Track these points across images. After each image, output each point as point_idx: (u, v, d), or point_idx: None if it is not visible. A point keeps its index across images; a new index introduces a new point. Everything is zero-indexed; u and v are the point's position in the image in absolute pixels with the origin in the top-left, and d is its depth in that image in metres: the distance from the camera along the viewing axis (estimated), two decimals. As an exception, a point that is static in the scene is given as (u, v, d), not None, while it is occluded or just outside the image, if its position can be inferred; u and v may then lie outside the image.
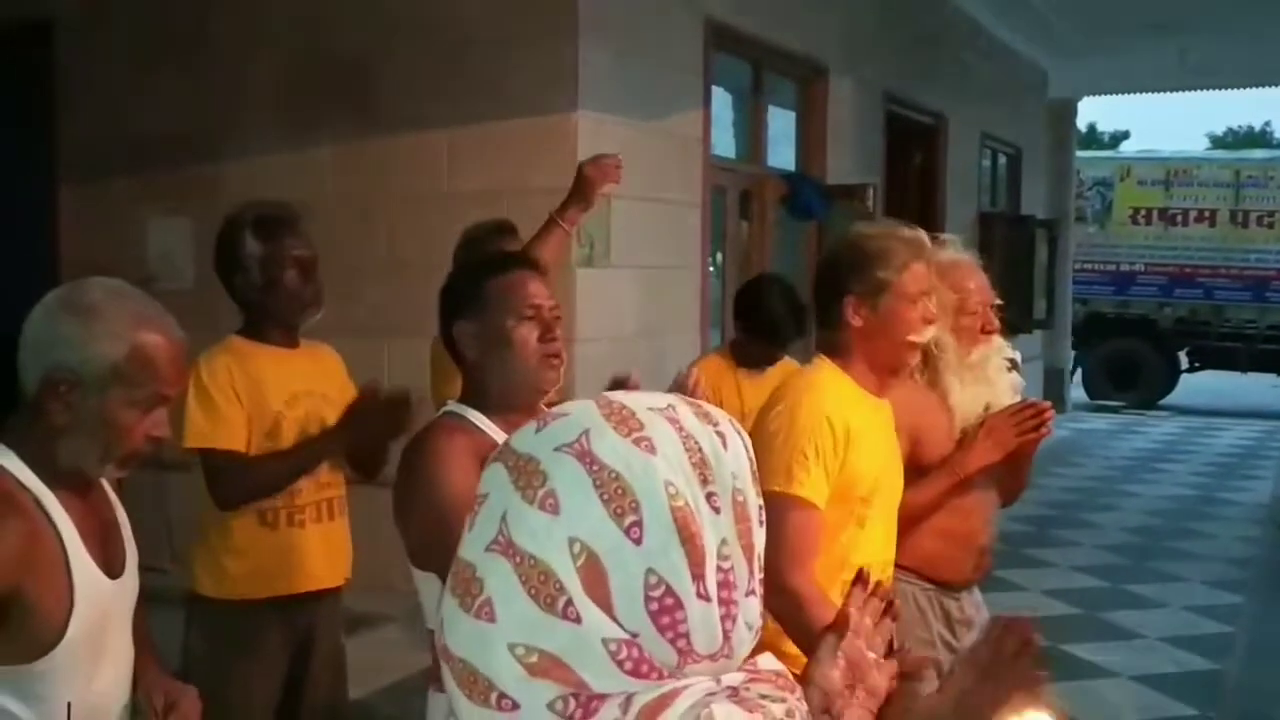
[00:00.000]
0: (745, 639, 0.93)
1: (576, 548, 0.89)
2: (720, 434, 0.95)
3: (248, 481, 3.15)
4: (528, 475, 0.92)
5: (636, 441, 0.91)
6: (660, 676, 0.89)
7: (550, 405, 2.39)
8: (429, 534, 2.12)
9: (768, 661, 0.94)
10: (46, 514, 1.92)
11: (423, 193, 6.17)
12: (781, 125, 8.75)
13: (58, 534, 1.92)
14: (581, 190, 3.64)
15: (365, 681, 4.43)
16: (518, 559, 0.90)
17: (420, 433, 2.27)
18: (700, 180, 7.12)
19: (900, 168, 10.40)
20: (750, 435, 1.01)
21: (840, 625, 1.37)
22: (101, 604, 1.97)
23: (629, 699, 0.88)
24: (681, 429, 0.94)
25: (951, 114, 11.20)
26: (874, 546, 2.72)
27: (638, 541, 0.89)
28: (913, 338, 2.72)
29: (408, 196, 6.24)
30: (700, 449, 0.93)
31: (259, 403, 3.19)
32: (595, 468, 0.91)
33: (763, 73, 8.31)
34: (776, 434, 2.59)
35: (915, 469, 3.03)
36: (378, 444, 3.18)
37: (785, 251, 8.55)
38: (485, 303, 2.32)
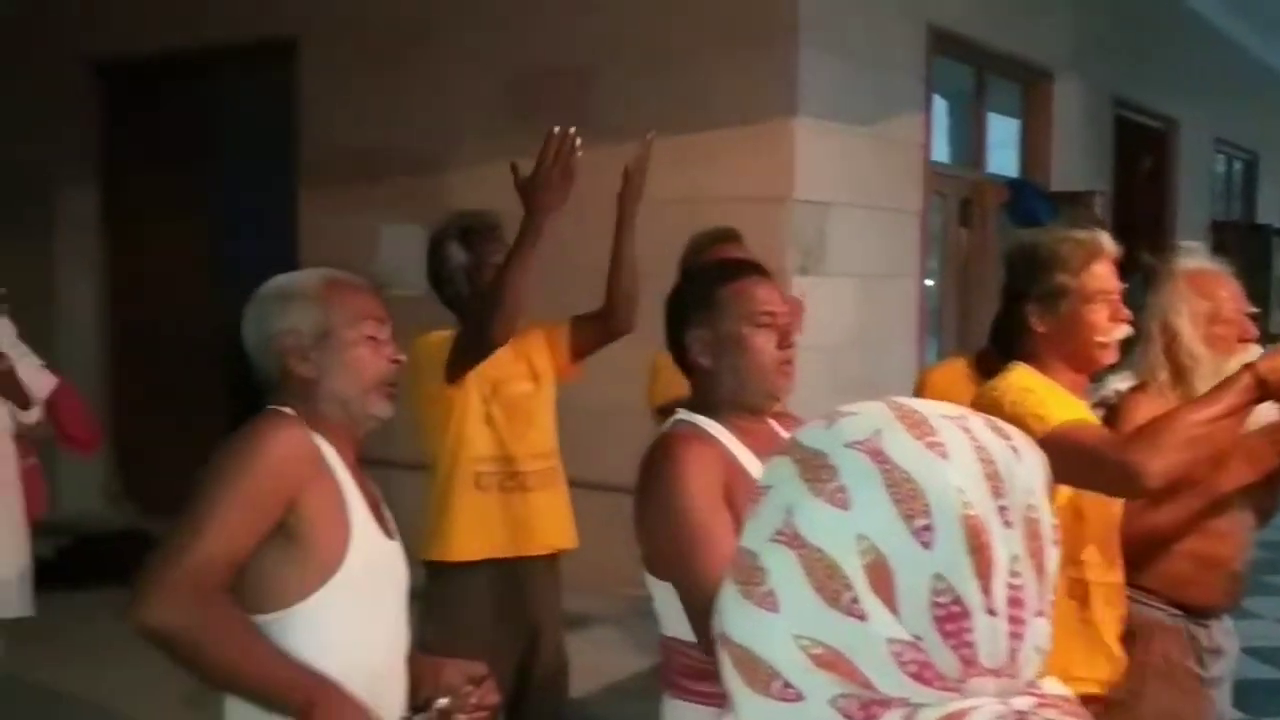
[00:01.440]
0: (1033, 660, 0.90)
1: (864, 545, 0.87)
2: (1014, 448, 0.92)
3: (496, 303, 3.18)
4: (816, 469, 0.91)
5: (929, 445, 0.89)
6: (944, 685, 0.87)
7: (776, 415, 2.39)
8: (669, 542, 2.12)
9: (1053, 686, 0.91)
10: (327, 464, 2.07)
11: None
12: (1001, 131, 8.54)
13: (337, 482, 2.07)
14: None
15: (583, 682, 4.48)
16: (803, 551, 0.89)
17: (658, 441, 2.27)
18: (920, 187, 7.00)
19: (1128, 173, 10.02)
20: None
21: None
22: (375, 555, 2.09)
23: (912, 714, 0.87)
24: (974, 439, 0.91)
25: (1183, 117, 10.73)
26: (1095, 545, 2.61)
27: (926, 545, 0.87)
28: (1100, 339, 2.62)
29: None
30: (994, 461, 0.90)
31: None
32: (887, 467, 0.89)
33: (985, 77, 8.12)
34: (1002, 410, 2.41)
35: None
36: (554, 182, 3.23)
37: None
38: (718, 308, 2.29)
